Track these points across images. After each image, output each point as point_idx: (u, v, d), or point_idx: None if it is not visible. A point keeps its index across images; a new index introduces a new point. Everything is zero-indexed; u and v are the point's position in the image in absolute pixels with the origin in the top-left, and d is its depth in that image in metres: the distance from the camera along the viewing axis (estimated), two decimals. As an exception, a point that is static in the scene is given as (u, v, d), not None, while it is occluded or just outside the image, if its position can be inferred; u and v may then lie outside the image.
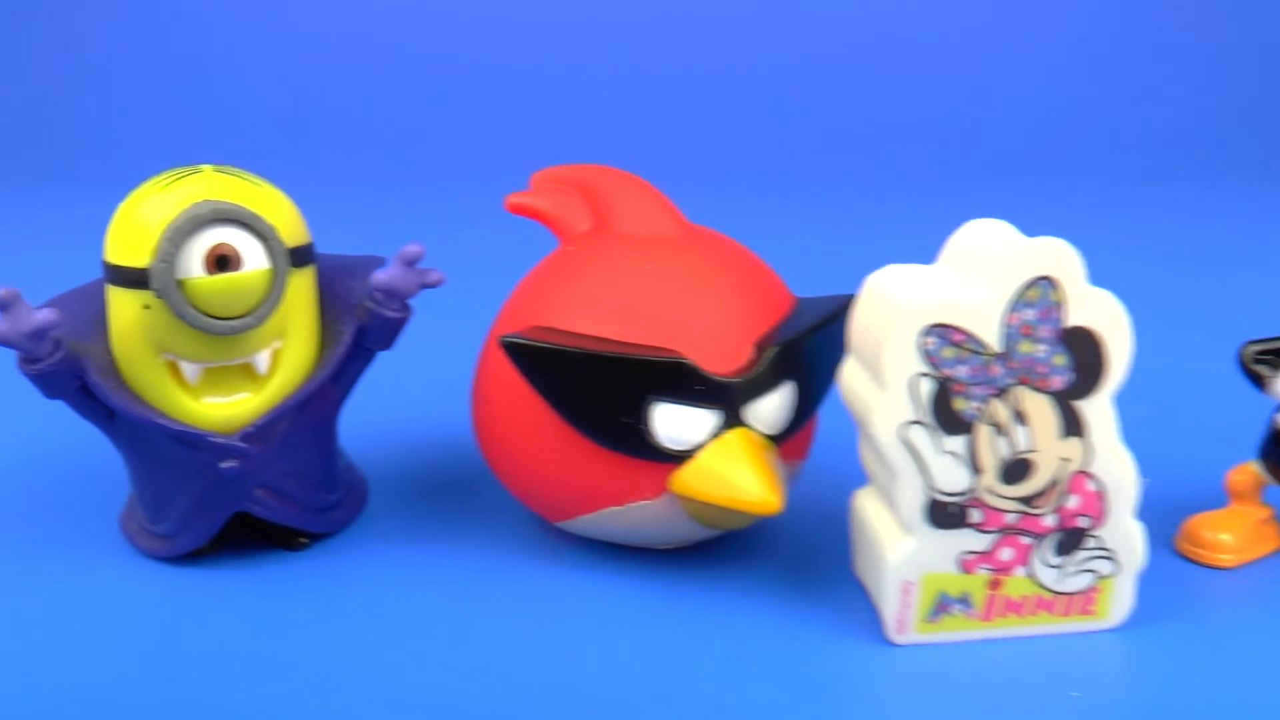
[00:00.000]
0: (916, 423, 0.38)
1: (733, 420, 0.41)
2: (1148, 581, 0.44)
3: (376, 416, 0.61)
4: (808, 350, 0.43)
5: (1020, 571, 0.40)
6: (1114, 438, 0.39)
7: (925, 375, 0.37)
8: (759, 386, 0.42)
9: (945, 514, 0.39)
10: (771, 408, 0.42)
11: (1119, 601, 0.41)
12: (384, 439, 0.60)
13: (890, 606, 0.40)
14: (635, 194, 0.47)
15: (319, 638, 0.41)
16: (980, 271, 0.38)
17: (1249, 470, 0.47)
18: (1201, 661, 0.39)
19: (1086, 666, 0.39)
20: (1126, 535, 0.40)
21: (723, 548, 0.48)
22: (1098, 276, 0.38)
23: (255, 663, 0.39)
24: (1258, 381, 0.45)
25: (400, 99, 2.01)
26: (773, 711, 0.36)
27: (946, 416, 0.38)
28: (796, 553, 0.48)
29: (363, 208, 1.42)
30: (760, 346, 0.42)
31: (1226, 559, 0.46)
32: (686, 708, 0.37)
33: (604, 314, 0.42)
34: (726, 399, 0.41)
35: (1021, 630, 0.41)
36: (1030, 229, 0.40)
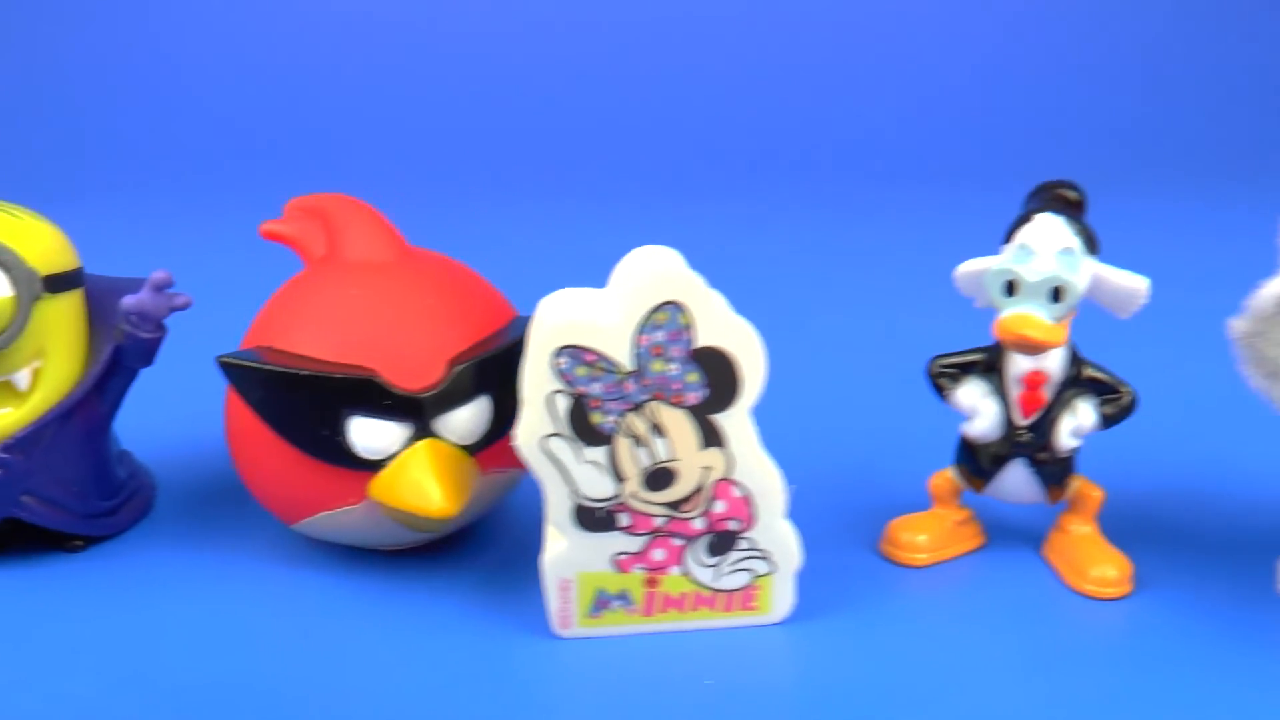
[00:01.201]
0: (556, 435, 0.41)
1: (423, 431, 0.46)
2: (846, 579, 0.48)
3: (171, 424, 0.66)
4: (502, 366, 0.47)
5: (675, 570, 0.44)
6: (755, 447, 0.42)
7: (560, 392, 0.41)
8: (449, 400, 0.46)
9: (593, 518, 0.43)
10: (464, 420, 0.46)
11: (780, 598, 0.45)
12: (178, 446, 0.64)
13: (552, 603, 0.44)
14: (361, 222, 0.51)
15: (75, 632, 0.46)
16: (618, 296, 0.42)
17: (946, 475, 0.50)
18: (857, 653, 0.43)
19: (748, 657, 0.43)
20: (778, 537, 0.44)
21: (457, 546, 0.53)
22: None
23: (11, 655, 0.45)
24: (940, 392, 0.48)
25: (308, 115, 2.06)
26: (437, 699, 0.41)
27: (585, 429, 0.41)
28: (510, 553, 0.52)
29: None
30: (452, 363, 0.46)
31: (920, 558, 0.50)
32: (359, 699, 0.41)
33: (314, 334, 0.47)
34: (416, 412, 0.45)
35: (686, 624, 0.45)
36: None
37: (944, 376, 0.48)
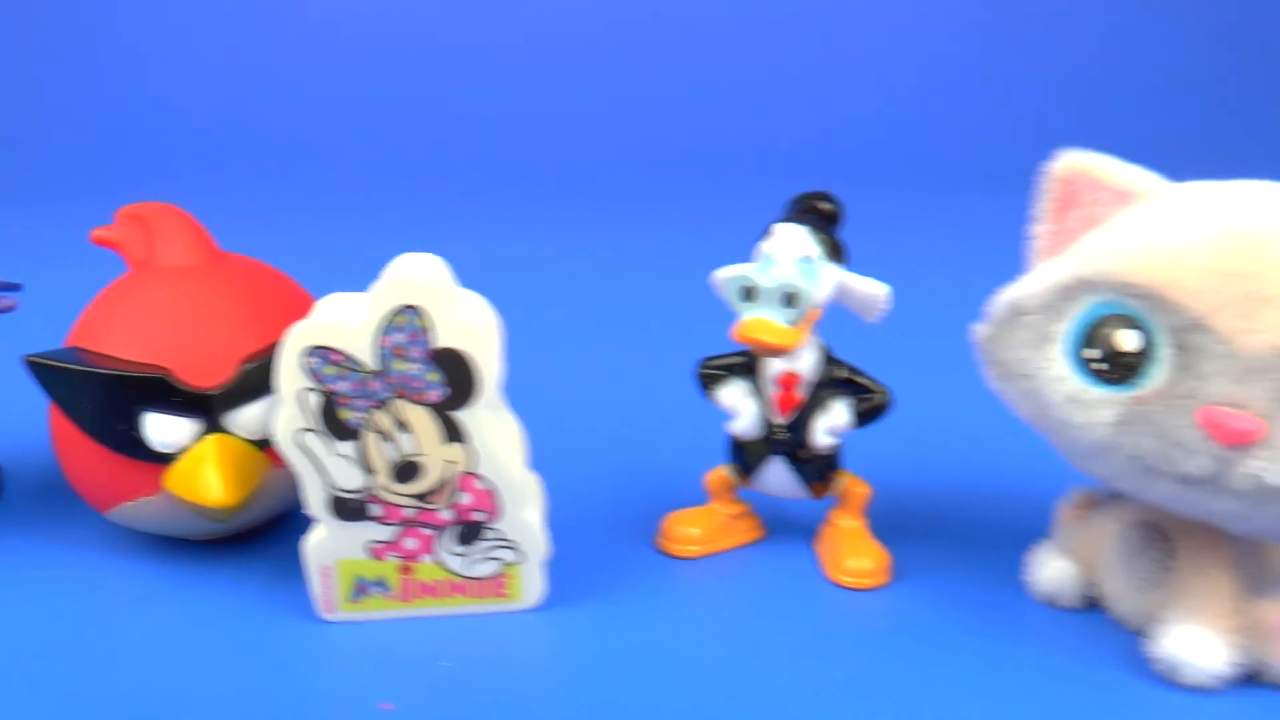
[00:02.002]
0: (309, 430, 0.45)
1: (213, 426, 0.49)
2: (619, 570, 0.51)
3: (20, 421, 0.69)
4: (290, 364, 0.50)
5: (427, 559, 0.47)
6: (497, 442, 0.45)
7: (311, 389, 0.44)
8: (239, 397, 0.49)
9: (347, 508, 0.46)
10: (254, 416, 0.50)
11: (530, 586, 0.48)
12: (27, 441, 0.68)
13: (315, 588, 0.47)
14: (175, 229, 0.55)
15: None
16: (364, 300, 0.45)
17: (720, 472, 0.52)
18: (613, 638, 0.46)
19: (505, 641, 0.46)
20: (524, 528, 0.47)
21: (269, 535, 0.56)
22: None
23: None
24: (706, 392, 0.51)
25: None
26: (207, 675, 0.44)
27: (335, 425, 0.45)
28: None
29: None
30: (244, 362, 0.50)
31: (693, 550, 0.52)
32: (137, 676, 0.45)
33: (118, 335, 0.51)
34: (205, 408, 0.49)
35: (442, 610, 0.48)
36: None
37: (709, 377, 0.51)
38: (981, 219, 1.41)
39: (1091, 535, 0.48)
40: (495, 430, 0.46)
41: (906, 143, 2.01)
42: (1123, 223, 0.45)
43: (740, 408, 0.49)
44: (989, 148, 2.02)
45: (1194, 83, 2.32)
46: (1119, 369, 0.42)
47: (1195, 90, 2.30)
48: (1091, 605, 0.48)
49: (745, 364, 0.50)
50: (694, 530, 0.52)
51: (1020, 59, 2.30)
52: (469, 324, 0.44)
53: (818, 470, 0.50)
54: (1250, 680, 0.43)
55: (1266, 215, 0.42)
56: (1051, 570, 0.49)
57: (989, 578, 0.50)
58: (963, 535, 0.55)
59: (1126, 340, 0.42)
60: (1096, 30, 2.38)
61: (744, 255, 0.50)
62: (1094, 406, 0.42)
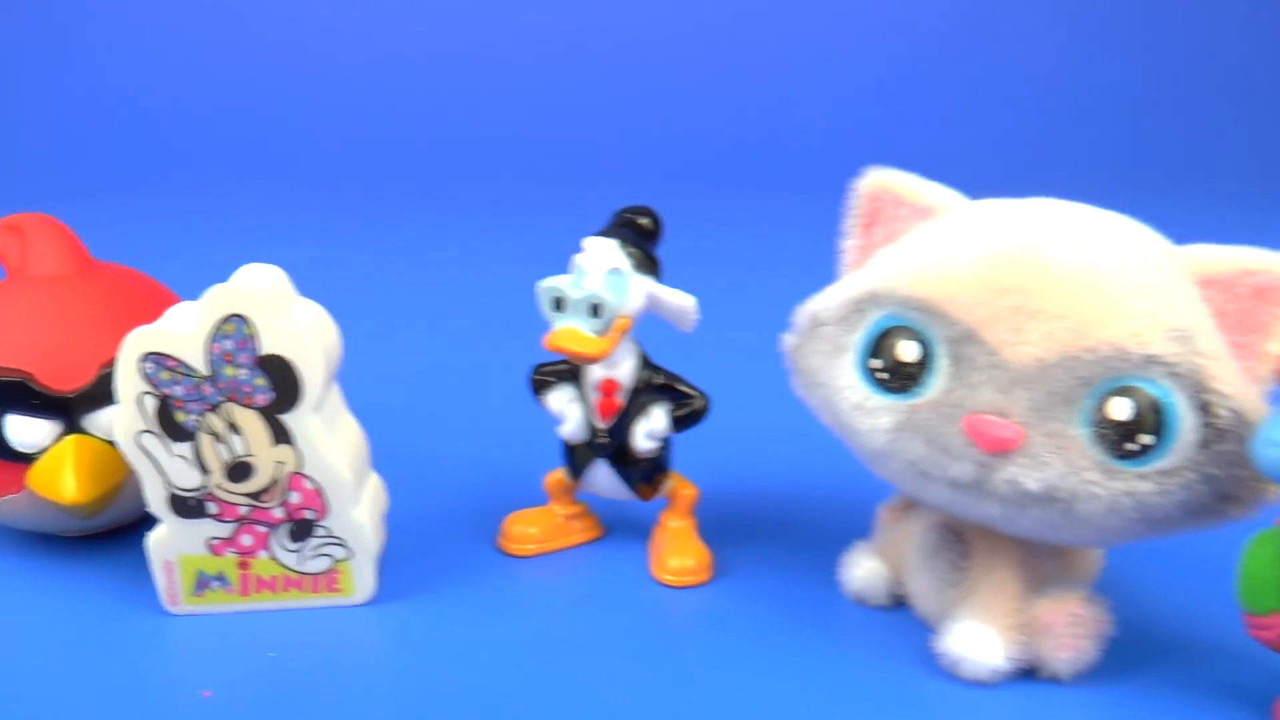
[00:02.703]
0: (148, 431, 0.48)
1: (73, 428, 0.52)
2: (457, 568, 0.54)
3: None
4: (148, 369, 0.53)
5: (263, 555, 0.50)
6: (323, 444, 0.48)
7: (148, 393, 0.47)
8: (98, 400, 0.52)
9: (185, 505, 0.49)
10: (112, 418, 0.53)
11: (361, 581, 0.51)
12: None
13: (159, 582, 0.50)
14: (47, 239, 0.58)
15: None
16: (195, 309, 0.48)
17: (557, 474, 0.55)
18: (440, 631, 0.49)
19: (330, 633, 0.49)
20: (352, 526, 0.50)
21: (134, 532, 0.58)
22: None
23: None
24: (536, 397, 0.53)
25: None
26: (55, 665, 0.47)
27: (171, 427, 0.48)
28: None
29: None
30: (103, 367, 0.53)
31: (529, 548, 0.55)
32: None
33: (-13, 341, 0.54)
34: (65, 410, 0.52)
35: (280, 604, 0.51)
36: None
37: (539, 383, 0.54)
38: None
39: (901, 536, 0.51)
40: (321, 432, 0.49)
41: (750, 149, 2.05)
42: (913, 239, 0.47)
43: (566, 413, 0.52)
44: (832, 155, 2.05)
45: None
46: (900, 378, 0.44)
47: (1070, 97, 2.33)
48: (899, 604, 0.51)
49: (572, 371, 0.53)
50: (531, 530, 0.55)
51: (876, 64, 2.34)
52: (293, 332, 0.47)
53: (643, 473, 0.53)
54: (1028, 675, 0.46)
55: (1039, 233, 0.44)
56: (861, 570, 0.51)
57: (807, 577, 0.53)
58: (788, 536, 0.58)
59: (906, 351, 0.44)
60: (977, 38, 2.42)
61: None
62: (875, 414, 0.45)
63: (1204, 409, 0.42)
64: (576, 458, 0.54)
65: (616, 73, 2.21)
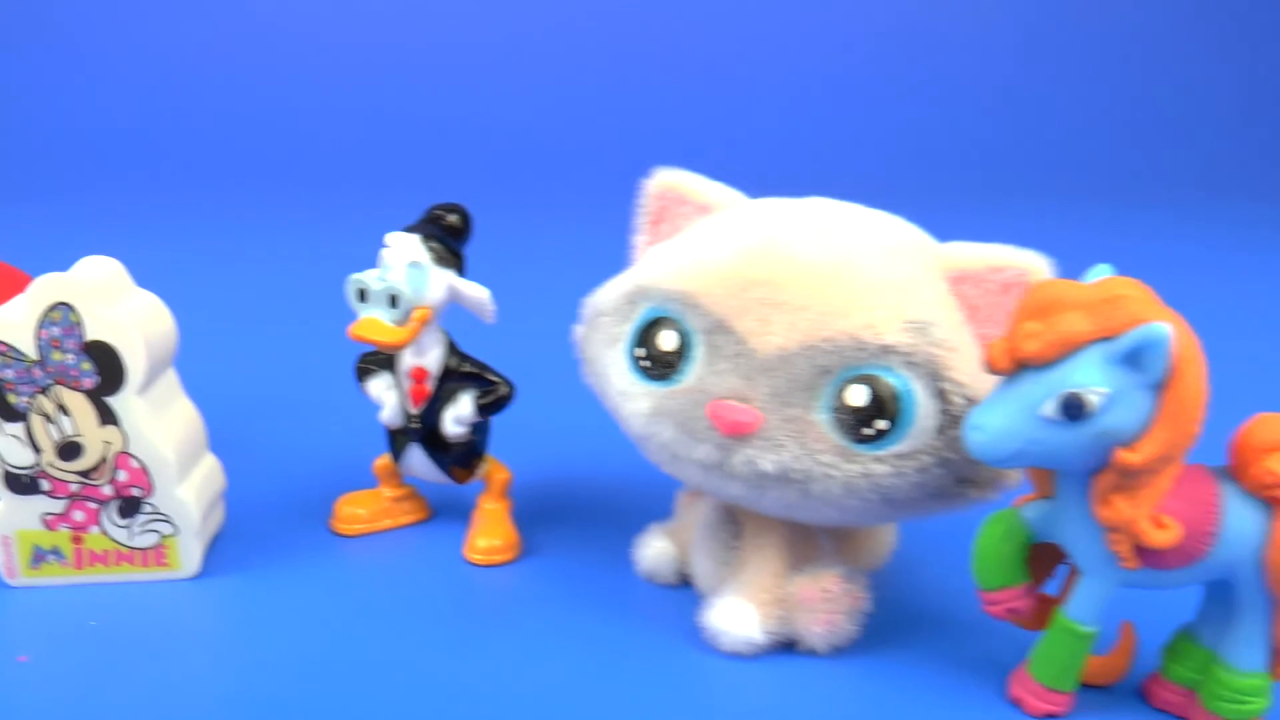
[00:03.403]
0: None
1: None
2: (288, 546, 0.58)
3: None
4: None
5: (95, 530, 0.54)
6: (147, 426, 0.52)
7: None
8: None
9: (19, 483, 0.53)
10: None
11: (188, 556, 0.55)
12: None
13: (-1, 557, 0.54)
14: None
15: None
16: (26, 297, 0.52)
17: (385, 458, 0.59)
18: (265, 604, 0.53)
19: (158, 604, 0.53)
20: (177, 503, 0.54)
21: None
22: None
23: None
24: (360, 385, 0.57)
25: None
26: None
27: (5, 408, 0.52)
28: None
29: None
30: None
31: (356, 528, 0.59)
32: None
33: None
34: None
35: (114, 577, 0.55)
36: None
37: (361, 371, 0.57)
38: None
39: (692, 519, 0.54)
40: (145, 415, 0.53)
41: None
42: (684, 236, 0.51)
43: (383, 399, 0.56)
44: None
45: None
46: (660, 366, 0.48)
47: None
48: (686, 583, 0.54)
49: (389, 359, 0.56)
50: (360, 510, 0.59)
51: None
52: (117, 320, 0.51)
53: (456, 457, 0.57)
54: (788, 649, 0.49)
55: (791, 229, 0.48)
56: (651, 550, 0.54)
57: (608, 557, 0.57)
58: (598, 518, 0.61)
59: (666, 341, 0.48)
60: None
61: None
62: (636, 399, 0.48)
63: (941, 396, 0.45)
64: (396, 442, 0.58)
65: (448, 72, 2.30)
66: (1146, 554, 0.42)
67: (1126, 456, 0.40)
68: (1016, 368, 0.41)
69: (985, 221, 1.75)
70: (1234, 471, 0.43)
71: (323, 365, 0.86)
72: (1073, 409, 0.40)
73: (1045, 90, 2.41)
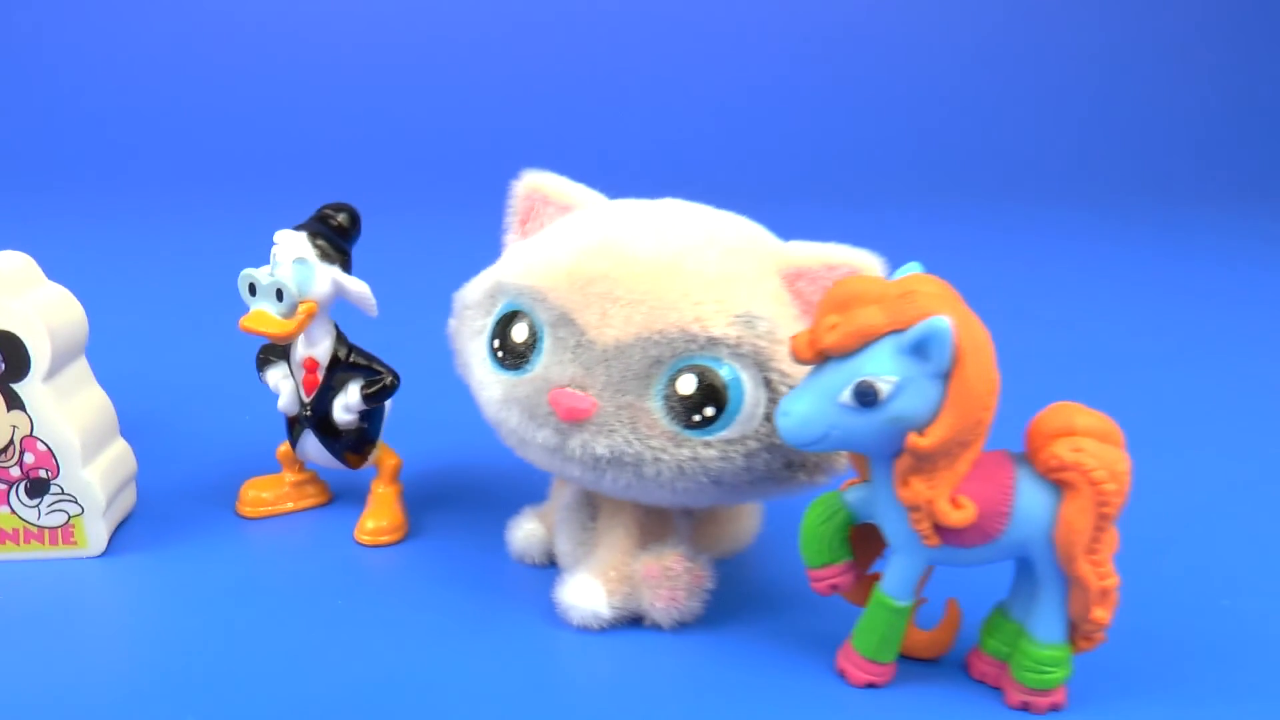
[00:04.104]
0: None
1: None
2: (193, 527, 0.63)
3: None
4: None
5: (4, 509, 0.59)
6: (52, 412, 0.57)
7: None
8: None
9: (-64, 464, 0.58)
10: None
11: (94, 536, 0.60)
12: None
13: (-81, 531, 0.59)
14: None
15: None
16: None
17: (287, 445, 0.63)
18: (166, 582, 0.57)
19: (62, 579, 0.58)
20: (82, 485, 0.58)
21: None
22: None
23: None
24: (259, 374, 0.61)
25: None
26: None
27: None
28: None
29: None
30: None
31: (260, 510, 0.64)
32: None
33: None
34: None
35: (19, 554, 0.60)
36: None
37: (261, 361, 0.62)
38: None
39: (558, 501, 0.58)
40: (50, 401, 0.57)
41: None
42: (541, 234, 0.54)
43: (280, 387, 0.61)
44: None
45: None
46: (513, 357, 0.52)
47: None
48: (552, 563, 0.58)
49: (285, 350, 0.61)
50: (264, 494, 0.64)
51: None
52: (21, 311, 0.56)
53: (348, 444, 0.61)
54: (636, 624, 0.53)
55: (631, 228, 0.52)
56: (521, 532, 0.59)
57: (485, 541, 0.61)
58: (483, 502, 0.66)
59: (518, 333, 0.52)
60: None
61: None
62: (490, 387, 0.52)
63: (767, 385, 0.48)
64: (293, 430, 0.62)
65: (348, 74, 2.39)
66: (946, 532, 0.46)
67: (916, 441, 0.44)
68: (819, 358, 0.45)
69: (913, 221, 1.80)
70: (1028, 456, 0.46)
71: (233, 356, 0.89)
72: (866, 396, 0.43)
73: (982, 94, 2.48)
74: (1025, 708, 0.48)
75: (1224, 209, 2.14)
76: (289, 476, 0.65)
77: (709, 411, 0.48)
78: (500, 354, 0.52)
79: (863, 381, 0.43)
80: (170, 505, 0.65)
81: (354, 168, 2.14)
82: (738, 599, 0.56)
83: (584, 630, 0.53)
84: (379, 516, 0.61)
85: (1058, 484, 0.45)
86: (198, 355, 0.95)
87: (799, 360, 0.46)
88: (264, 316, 0.57)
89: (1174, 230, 1.88)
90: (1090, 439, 0.45)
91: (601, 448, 0.49)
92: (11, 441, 0.58)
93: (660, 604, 0.52)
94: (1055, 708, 0.48)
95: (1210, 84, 2.57)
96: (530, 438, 0.50)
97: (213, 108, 2.27)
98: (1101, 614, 0.46)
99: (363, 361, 0.60)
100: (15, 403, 0.58)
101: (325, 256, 0.58)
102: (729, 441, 0.49)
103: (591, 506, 0.55)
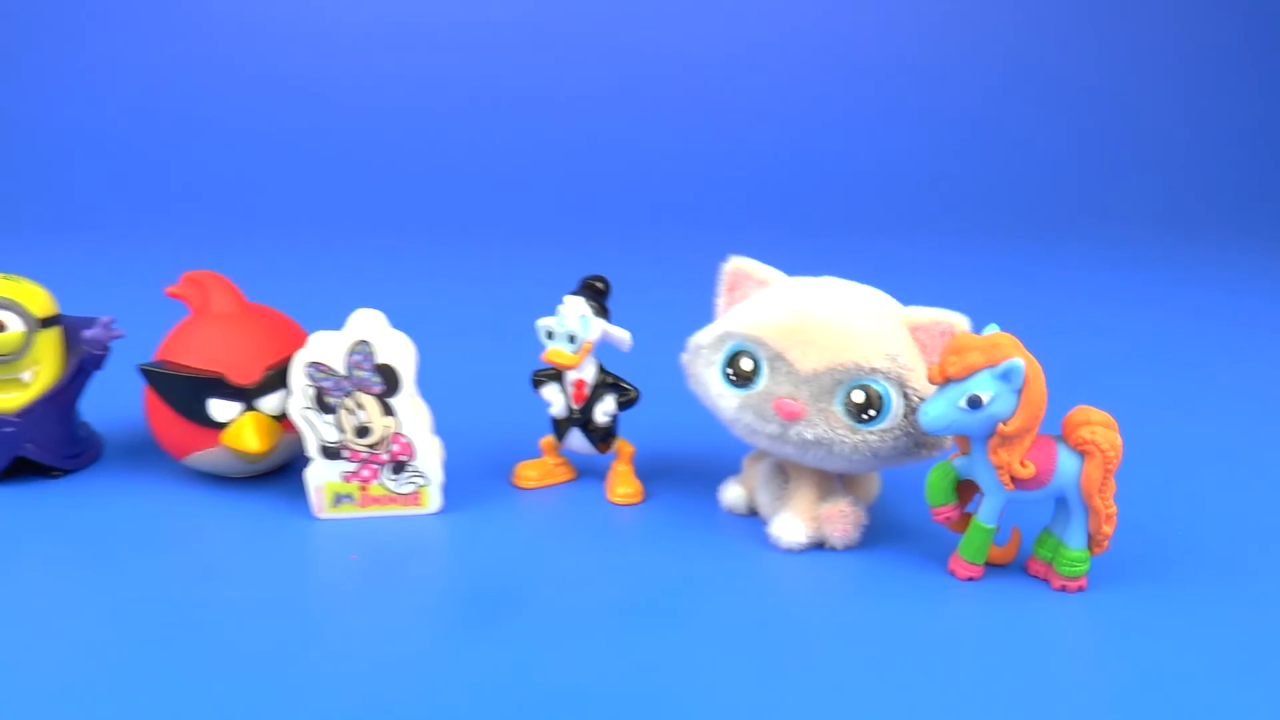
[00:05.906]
0: (308, 408, 0.86)
1: (249, 406, 0.90)
2: (488, 494, 0.95)
3: (113, 406, 1.13)
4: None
5: (376, 482, 0.89)
6: (411, 417, 0.87)
7: (309, 385, 0.85)
8: (264, 390, 0.91)
9: (329, 452, 0.88)
10: (274, 401, 0.92)
11: (433, 499, 0.91)
12: (117, 420, 1.13)
13: (311, 499, 0.90)
14: (220, 288, 0.97)
15: (53, 523, 0.92)
16: (340, 335, 0.86)
17: (549, 438, 0.95)
18: (487, 531, 0.90)
19: (418, 533, 0.90)
20: (429, 466, 0.89)
21: (288, 473, 0.99)
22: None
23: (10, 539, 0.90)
24: (536, 390, 0.92)
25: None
26: (236, 555, 0.86)
27: (323, 405, 0.87)
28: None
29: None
30: (267, 369, 0.91)
31: (531, 483, 0.97)
32: (194, 562, 0.86)
33: (193, 353, 0.93)
34: (245, 396, 0.91)
35: (385, 513, 0.91)
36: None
37: (537, 381, 0.93)
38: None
39: (754, 472, 0.91)
40: (411, 409, 0.87)
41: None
42: (752, 301, 0.87)
43: (553, 399, 0.93)
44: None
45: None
46: (741, 379, 0.85)
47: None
48: (753, 513, 0.91)
49: (557, 373, 0.92)
50: (532, 472, 0.97)
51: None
52: (395, 350, 0.86)
53: (600, 437, 0.94)
54: (819, 548, 0.86)
55: (815, 299, 0.86)
56: (729, 493, 0.92)
57: (701, 499, 0.95)
58: (692, 474, 1.01)
59: (745, 364, 0.84)
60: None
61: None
62: (728, 399, 0.85)
63: (905, 397, 0.82)
64: (559, 428, 0.95)
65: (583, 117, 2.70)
66: (1018, 482, 0.80)
67: (1003, 428, 0.78)
68: (945, 380, 0.79)
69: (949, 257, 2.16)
70: (1064, 437, 0.81)
71: (499, 374, 1.23)
72: (974, 403, 0.77)
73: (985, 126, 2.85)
74: (1063, 589, 0.83)
75: (1224, 243, 2.48)
76: (550, 460, 0.97)
77: (871, 413, 0.82)
78: (733, 377, 0.85)
79: (972, 395, 0.77)
80: (467, 480, 0.97)
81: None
82: (880, 530, 0.91)
83: (788, 552, 0.86)
84: (625, 485, 0.94)
85: (1081, 453, 0.80)
86: (484, 370, 1.28)
87: (933, 382, 0.79)
88: (560, 354, 0.89)
89: (1169, 264, 2.24)
90: (1100, 427, 0.80)
91: (809, 435, 0.82)
92: (384, 437, 0.88)
93: (837, 534, 0.86)
94: (1081, 589, 0.83)
95: (1221, 118, 2.93)
96: (760, 430, 0.83)
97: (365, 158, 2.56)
98: (1107, 529, 0.81)
99: (615, 381, 0.92)
100: (389, 411, 0.88)
101: (597, 312, 0.90)
102: (884, 431, 0.82)
103: (783, 474, 0.88)
